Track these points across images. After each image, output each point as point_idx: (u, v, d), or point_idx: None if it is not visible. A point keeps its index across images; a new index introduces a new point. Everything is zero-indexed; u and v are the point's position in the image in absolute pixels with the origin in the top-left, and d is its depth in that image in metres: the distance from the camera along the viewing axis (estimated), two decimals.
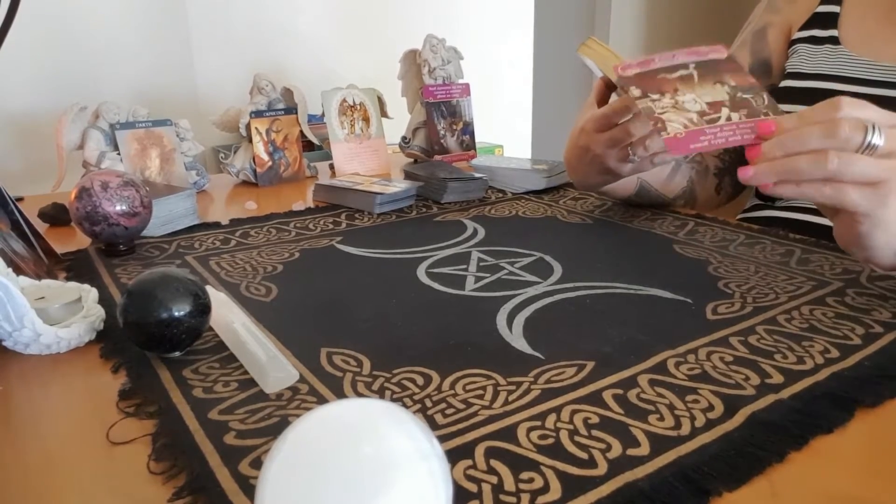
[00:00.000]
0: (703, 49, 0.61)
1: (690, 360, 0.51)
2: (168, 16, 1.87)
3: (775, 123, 0.54)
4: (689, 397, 0.46)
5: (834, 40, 0.83)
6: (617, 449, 0.40)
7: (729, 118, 0.58)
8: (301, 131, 1.24)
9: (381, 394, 0.47)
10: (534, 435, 0.42)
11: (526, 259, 0.76)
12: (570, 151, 0.87)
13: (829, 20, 0.85)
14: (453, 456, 0.40)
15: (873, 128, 0.48)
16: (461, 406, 0.45)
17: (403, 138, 1.34)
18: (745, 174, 0.52)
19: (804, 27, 0.88)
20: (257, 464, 0.39)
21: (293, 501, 0.27)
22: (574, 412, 0.44)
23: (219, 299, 0.60)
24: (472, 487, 0.37)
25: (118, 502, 0.38)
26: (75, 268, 0.75)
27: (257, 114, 1.19)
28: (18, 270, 0.63)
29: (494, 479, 0.38)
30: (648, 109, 0.60)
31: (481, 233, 0.87)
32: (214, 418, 0.44)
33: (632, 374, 0.49)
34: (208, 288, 0.56)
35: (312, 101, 1.33)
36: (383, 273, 0.73)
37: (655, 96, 0.61)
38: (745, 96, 0.59)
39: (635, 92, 0.61)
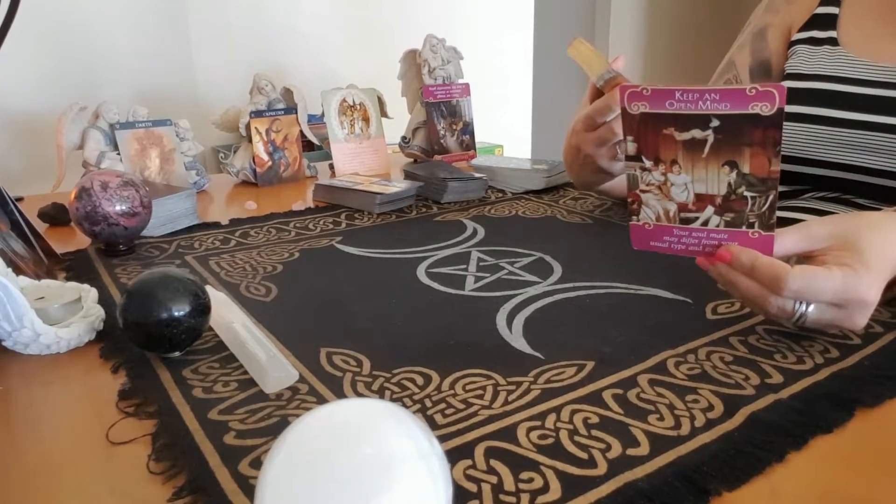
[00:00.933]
0: (748, 94, 0.47)
1: (690, 359, 0.51)
2: (168, 16, 1.87)
3: (731, 257, 0.51)
4: (689, 397, 0.46)
5: (833, 41, 0.83)
6: (617, 449, 0.40)
7: (706, 222, 0.53)
8: (301, 131, 1.24)
9: (381, 394, 0.47)
10: (534, 435, 0.42)
11: (526, 259, 0.76)
12: (565, 151, 0.88)
13: (828, 21, 0.85)
14: (453, 456, 0.40)
15: (806, 305, 0.49)
16: (461, 406, 0.45)
17: (403, 138, 1.34)
18: (702, 266, 0.55)
19: (803, 28, 0.88)
20: (257, 464, 0.39)
21: (293, 501, 0.27)
22: (574, 412, 0.44)
23: (219, 299, 0.60)
24: (472, 487, 0.37)
25: (118, 502, 0.38)
26: (75, 268, 0.75)
27: (257, 114, 1.19)
28: (18, 270, 0.63)
29: (494, 479, 0.38)
30: (633, 180, 0.55)
31: (481, 233, 0.87)
32: (214, 418, 0.44)
33: (632, 374, 0.49)
34: (208, 288, 0.56)
35: (312, 101, 1.33)
36: (383, 273, 0.73)
37: (648, 163, 0.54)
38: (746, 194, 0.51)
39: (630, 147, 0.54)
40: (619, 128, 0.74)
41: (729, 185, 0.51)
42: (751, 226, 0.52)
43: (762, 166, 0.49)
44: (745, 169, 0.50)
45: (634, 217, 0.56)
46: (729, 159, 0.51)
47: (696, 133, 0.51)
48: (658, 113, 0.51)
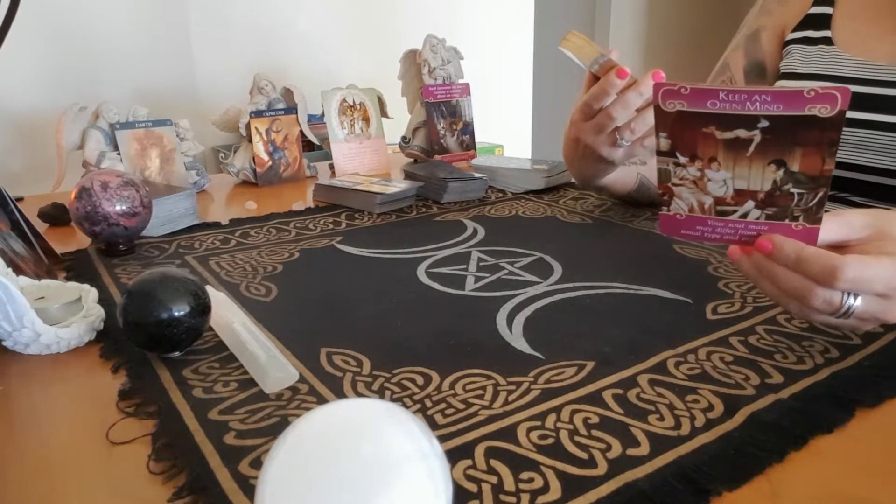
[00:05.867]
0: (805, 95, 0.43)
1: (690, 360, 0.51)
2: (168, 16, 1.87)
3: (774, 247, 0.47)
4: (689, 397, 0.46)
5: (827, 41, 0.83)
6: (617, 449, 0.40)
7: (745, 215, 0.49)
8: (301, 131, 1.24)
9: (381, 394, 0.47)
10: (534, 435, 0.42)
11: (526, 259, 0.76)
12: (564, 145, 0.87)
13: (822, 21, 0.85)
14: (453, 456, 0.40)
15: (855, 296, 0.46)
16: (461, 406, 0.45)
17: (403, 138, 1.34)
18: (733, 257, 0.51)
19: (797, 28, 0.88)
20: (257, 464, 0.39)
21: (293, 501, 0.27)
22: (574, 412, 0.44)
23: (219, 299, 0.60)
24: (472, 487, 0.37)
25: (118, 502, 0.38)
26: (75, 268, 0.75)
27: (257, 114, 1.19)
28: (18, 270, 0.63)
29: (494, 479, 0.38)
30: (665, 174, 0.51)
31: (481, 233, 0.87)
32: (214, 418, 0.44)
33: (632, 374, 0.49)
34: (208, 288, 0.56)
35: (312, 101, 1.33)
36: (383, 273, 0.73)
37: (683, 160, 0.49)
38: (792, 191, 0.47)
39: (663, 143, 0.49)
40: (615, 112, 0.73)
41: (774, 182, 0.47)
42: (794, 219, 0.48)
43: (814, 165, 0.46)
44: (795, 168, 0.46)
45: (665, 208, 0.53)
46: (776, 158, 0.47)
47: (741, 133, 0.47)
48: (697, 112, 0.47)
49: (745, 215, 0.50)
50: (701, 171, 0.49)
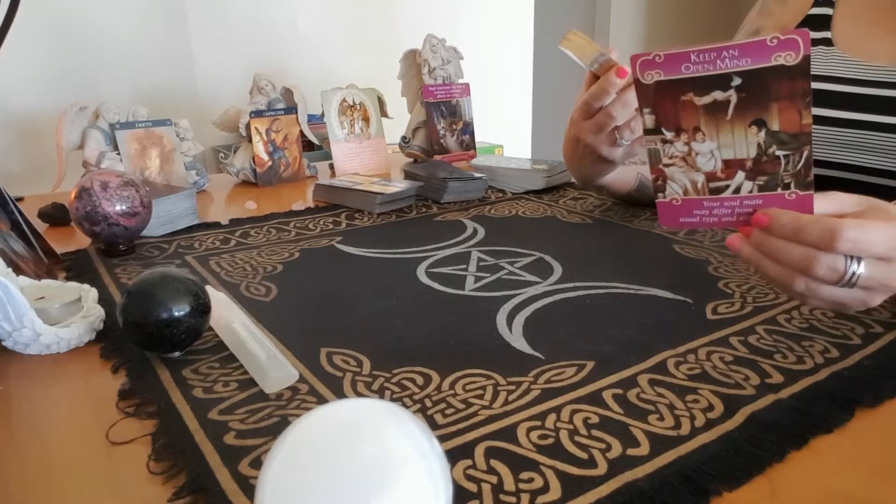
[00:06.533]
0: (770, 44, 0.45)
1: (690, 359, 0.51)
2: (168, 16, 1.87)
3: (769, 219, 0.48)
4: (689, 397, 0.46)
5: (827, 42, 0.83)
6: (617, 449, 0.40)
7: (738, 189, 0.50)
8: (301, 131, 1.24)
9: (381, 394, 0.47)
10: (534, 435, 0.42)
11: (526, 259, 0.76)
12: (564, 144, 0.87)
13: (822, 22, 0.85)
14: (453, 456, 0.40)
15: (858, 261, 0.46)
16: (461, 406, 0.45)
17: (403, 138, 1.34)
18: (733, 246, 0.52)
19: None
20: (257, 464, 0.39)
21: (293, 501, 0.27)
22: (574, 412, 0.44)
23: (219, 299, 0.60)
24: (472, 487, 0.37)
25: (118, 502, 0.38)
26: (75, 268, 0.75)
27: (257, 114, 1.19)
28: (18, 270, 0.63)
29: (494, 479, 0.38)
30: (655, 154, 0.52)
31: (481, 233, 0.87)
32: (214, 418, 0.44)
33: (632, 373, 0.49)
34: (208, 288, 0.56)
35: (312, 101, 1.33)
36: (383, 273, 0.73)
37: (669, 135, 0.51)
38: (778, 154, 0.48)
39: (648, 120, 0.51)
40: (615, 111, 0.73)
41: (759, 146, 0.48)
42: (786, 186, 0.49)
43: (793, 121, 0.47)
44: (775, 126, 0.48)
45: (660, 194, 0.53)
46: (756, 118, 0.48)
47: (717, 95, 0.48)
48: (674, 79, 0.49)
49: (737, 189, 0.51)
50: (688, 144, 0.51)
